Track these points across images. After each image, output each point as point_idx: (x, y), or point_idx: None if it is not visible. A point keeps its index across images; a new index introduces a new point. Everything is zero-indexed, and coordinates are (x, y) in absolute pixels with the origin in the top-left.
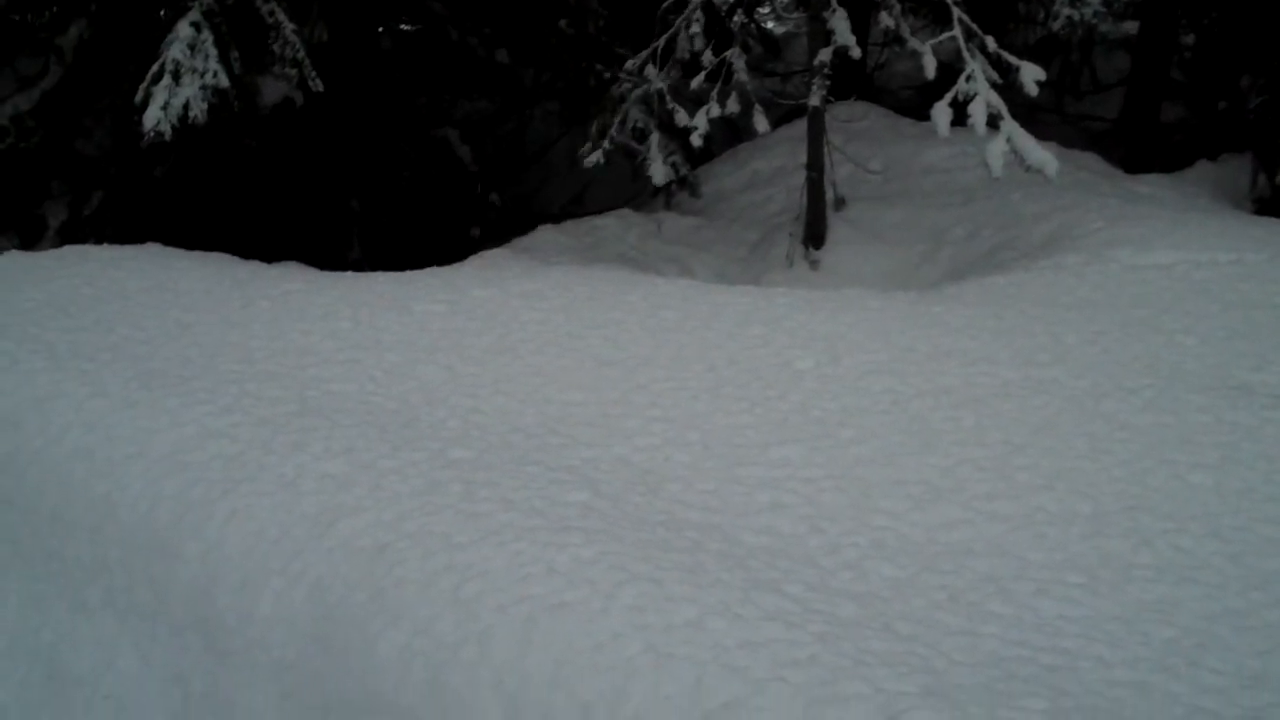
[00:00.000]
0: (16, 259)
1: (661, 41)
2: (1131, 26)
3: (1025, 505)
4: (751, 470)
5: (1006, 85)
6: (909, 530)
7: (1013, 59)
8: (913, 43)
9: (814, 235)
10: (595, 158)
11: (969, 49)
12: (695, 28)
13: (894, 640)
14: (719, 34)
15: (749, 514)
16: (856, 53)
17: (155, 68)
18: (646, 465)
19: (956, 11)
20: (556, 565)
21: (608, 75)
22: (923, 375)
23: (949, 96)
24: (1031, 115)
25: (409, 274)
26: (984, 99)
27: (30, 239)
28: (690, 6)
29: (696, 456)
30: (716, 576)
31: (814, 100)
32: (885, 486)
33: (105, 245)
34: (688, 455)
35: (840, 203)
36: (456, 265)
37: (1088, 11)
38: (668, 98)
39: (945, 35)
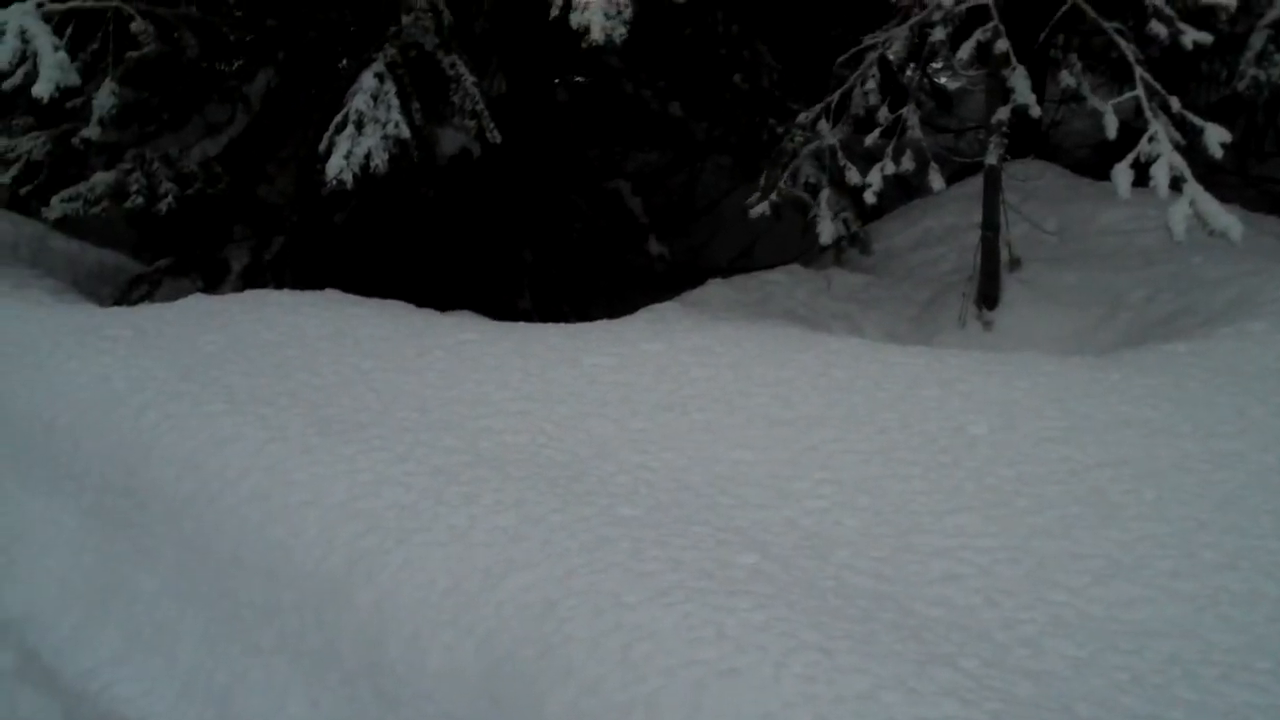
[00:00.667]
0: (200, 301)
1: (835, 97)
2: None
3: (1209, 585)
4: (925, 538)
5: (1188, 146)
6: (1088, 607)
7: (1197, 120)
8: (1093, 101)
9: (987, 296)
10: (762, 208)
11: (1151, 109)
12: (870, 84)
13: None
14: (893, 90)
15: (922, 584)
16: (1036, 112)
17: (339, 117)
18: (815, 529)
19: (1139, 70)
20: (726, 629)
21: (780, 130)
22: (1101, 445)
23: (1130, 157)
24: (1212, 177)
25: (579, 326)
26: (1167, 160)
27: (213, 282)
28: (866, 63)
29: (867, 522)
30: (889, 648)
31: (991, 159)
32: (1063, 560)
33: (285, 290)
34: (858, 520)
35: (1015, 263)
36: (626, 318)
37: (1275, 72)
38: (840, 154)
39: (1127, 95)
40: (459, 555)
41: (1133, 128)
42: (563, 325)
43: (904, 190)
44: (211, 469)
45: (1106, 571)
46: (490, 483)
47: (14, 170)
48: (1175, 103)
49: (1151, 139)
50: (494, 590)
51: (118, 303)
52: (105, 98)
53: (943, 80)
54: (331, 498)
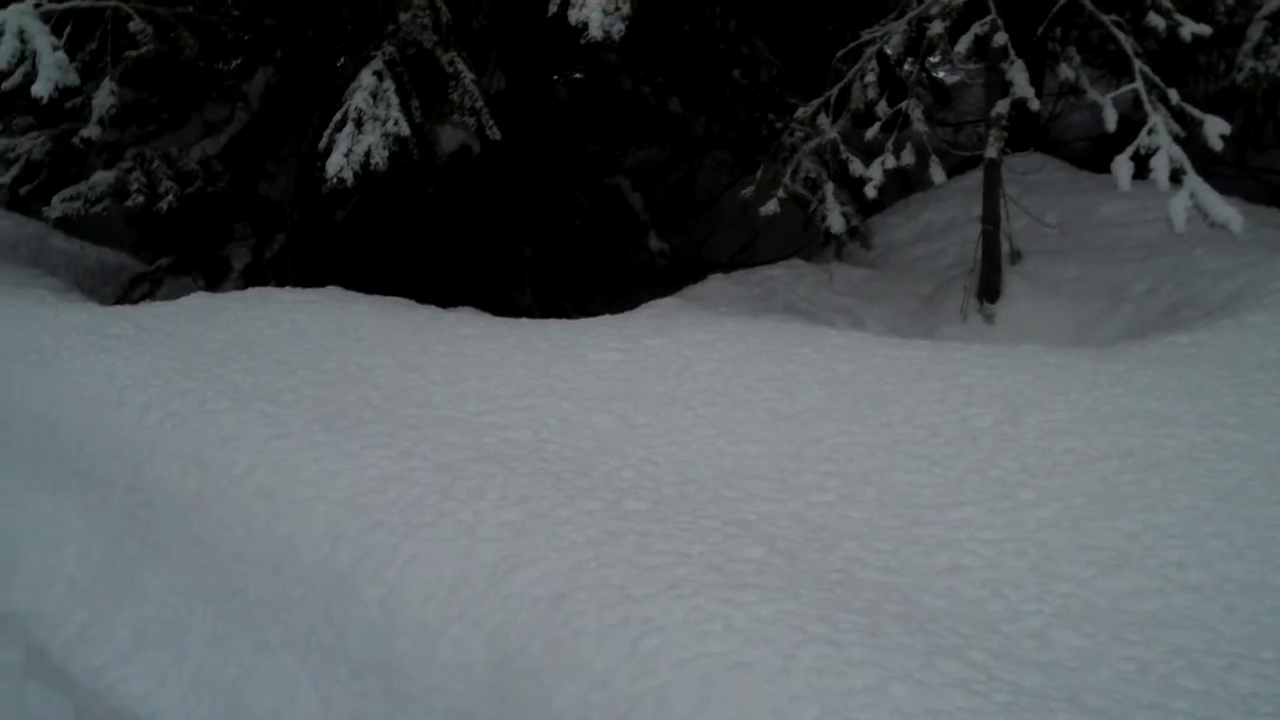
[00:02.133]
0: (203, 299)
1: (834, 91)
2: None
3: (1215, 575)
4: (930, 530)
5: (1188, 138)
6: (1094, 598)
7: (1196, 112)
8: (1092, 94)
9: (988, 289)
10: (770, 207)
11: (1150, 101)
12: (870, 77)
13: (1081, 713)
14: (892, 84)
15: (928, 575)
16: (1035, 105)
17: (339, 115)
18: (822, 522)
19: (1138, 63)
20: (734, 623)
21: (779, 125)
22: (1106, 437)
23: (1130, 150)
24: (1212, 169)
25: (582, 321)
26: (1166, 153)
27: (214, 280)
28: (864, 57)
29: (873, 514)
30: (897, 640)
31: (991, 152)
32: (1069, 551)
33: (287, 288)
34: (864, 513)
35: (1016, 256)
36: (629, 314)
37: (1273, 64)
38: (841, 147)
39: (1126, 87)
40: (466, 550)
41: (1132, 120)
42: (565, 320)
43: (903, 184)
44: (217, 466)
45: (1113, 562)
46: (495, 478)
47: (14, 170)
48: (1174, 95)
49: (1151, 131)
50: (501, 585)
51: (119, 301)
52: (104, 97)
53: (941, 74)
54: (337, 493)
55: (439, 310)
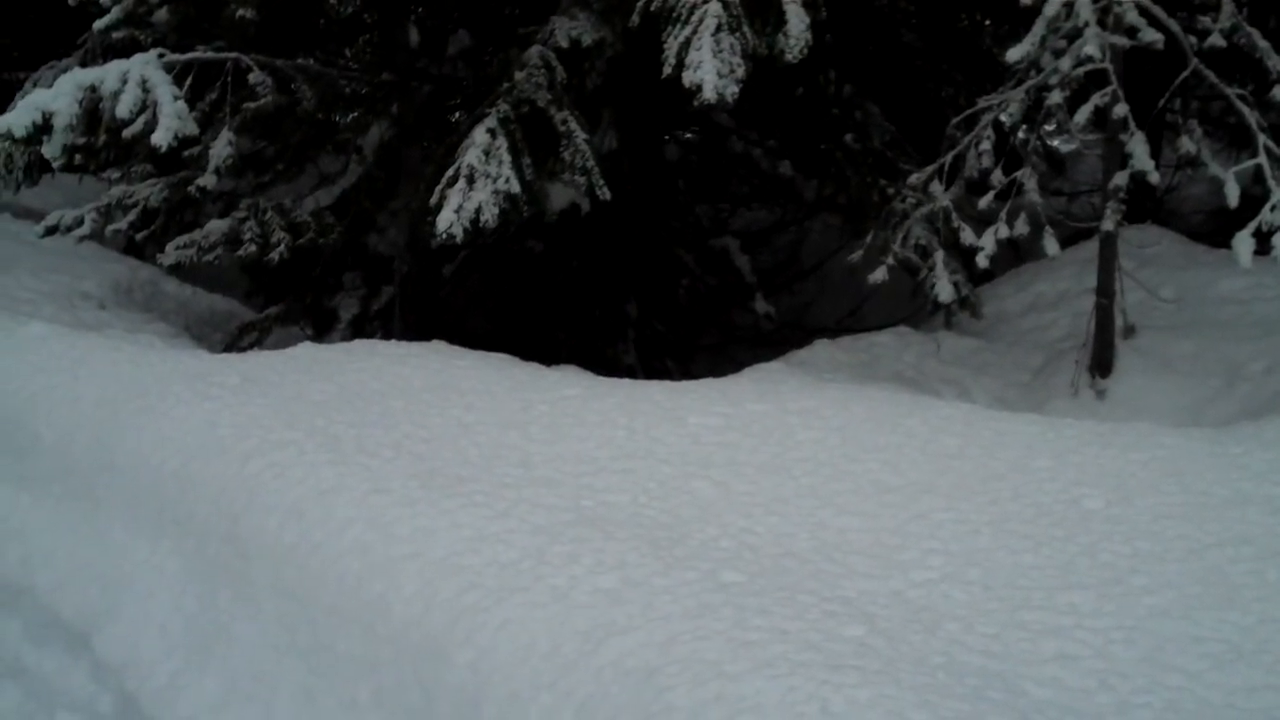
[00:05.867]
0: (309, 350)
1: (949, 158)
2: None
3: None
4: (1036, 615)
5: None
6: (1206, 693)
7: None
8: (1214, 168)
9: (1101, 363)
10: (879, 274)
11: (1274, 176)
12: (985, 144)
13: None
14: (1007, 152)
15: (1034, 663)
16: (1155, 178)
17: (451, 171)
18: (924, 602)
19: (1262, 138)
20: (831, 706)
21: (890, 190)
22: (1221, 523)
23: (1252, 226)
24: None
25: (684, 384)
26: None
27: (322, 329)
28: (980, 125)
29: (977, 596)
30: None
31: (1107, 225)
32: (1181, 642)
33: (392, 341)
34: (967, 594)
35: (1130, 330)
36: (731, 377)
37: None
38: (953, 215)
39: (1249, 162)
40: (559, 617)
41: (1252, 195)
42: (667, 383)
43: (1014, 253)
44: (314, 518)
45: (1227, 656)
46: (592, 543)
47: (131, 215)
48: None
49: (1274, 208)
50: (594, 654)
51: (228, 348)
52: (222, 147)
53: (1055, 143)
54: (433, 552)
55: (541, 368)
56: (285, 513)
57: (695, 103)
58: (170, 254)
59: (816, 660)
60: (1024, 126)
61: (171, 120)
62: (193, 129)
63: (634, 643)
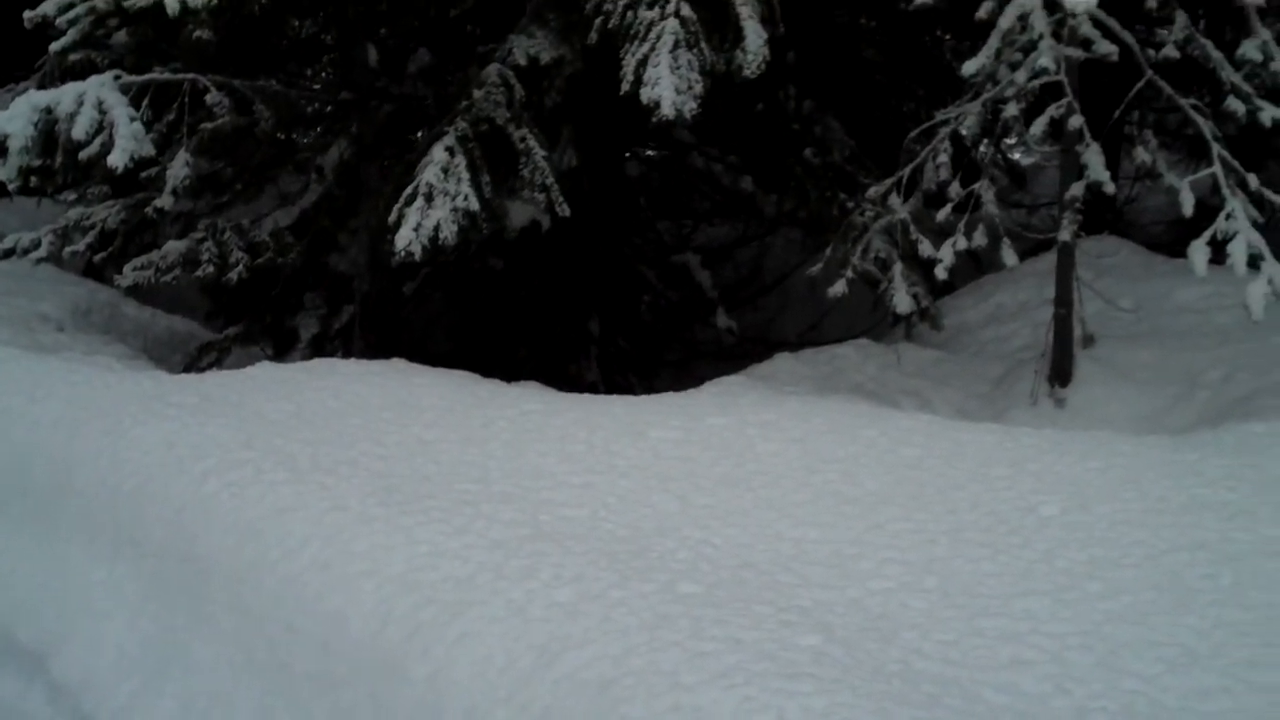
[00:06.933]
0: (267, 370)
1: (907, 171)
2: None
3: None
4: (993, 622)
5: (1267, 224)
6: (1161, 696)
7: (1275, 197)
8: (1170, 178)
9: (1060, 373)
10: (839, 288)
11: (1229, 186)
12: (943, 157)
13: None
14: (966, 164)
15: (990, 669)
16: (1110, 188)
17: (410, 189)
18: (881, 610)
19: (1216, 148)
20: (786, 714)
21: (850, 204)
22: (1177, 528)
23: (1207, 235)
24: None
25: (644, 399)
26: (1245, 238)
27: (282, 350)
28: (938, 138)
29: (934, 604)
30: None
31: (1064, 235)
32: (1137, 647)
33: (352, 359)
34: (925, 602)
35: (1089, 340)
36: (692, 391)
37: None
38: (912, 228)
39: (1204, 172)
40: (515, 630)
41: (1209, 205)
42: (628, 398)
43: (975, 265)
44: (271, 537)
45: (1181, 660)
46: (549, 557)
47: (89, 238)
48: (1253, 180)
49: (1229, 216)
50: (550, 667)
51: (187, 369)
52: (179, 168)
53: (1015, 156)
54: (390, 569)
55: (502, 384)
56: (242, 532)
57: (654, 119)
58: (128, 275)
59: (772, 670)
60: (983, 140)
61: (128, 141)
62: (150, 150)
63: (590, 655)
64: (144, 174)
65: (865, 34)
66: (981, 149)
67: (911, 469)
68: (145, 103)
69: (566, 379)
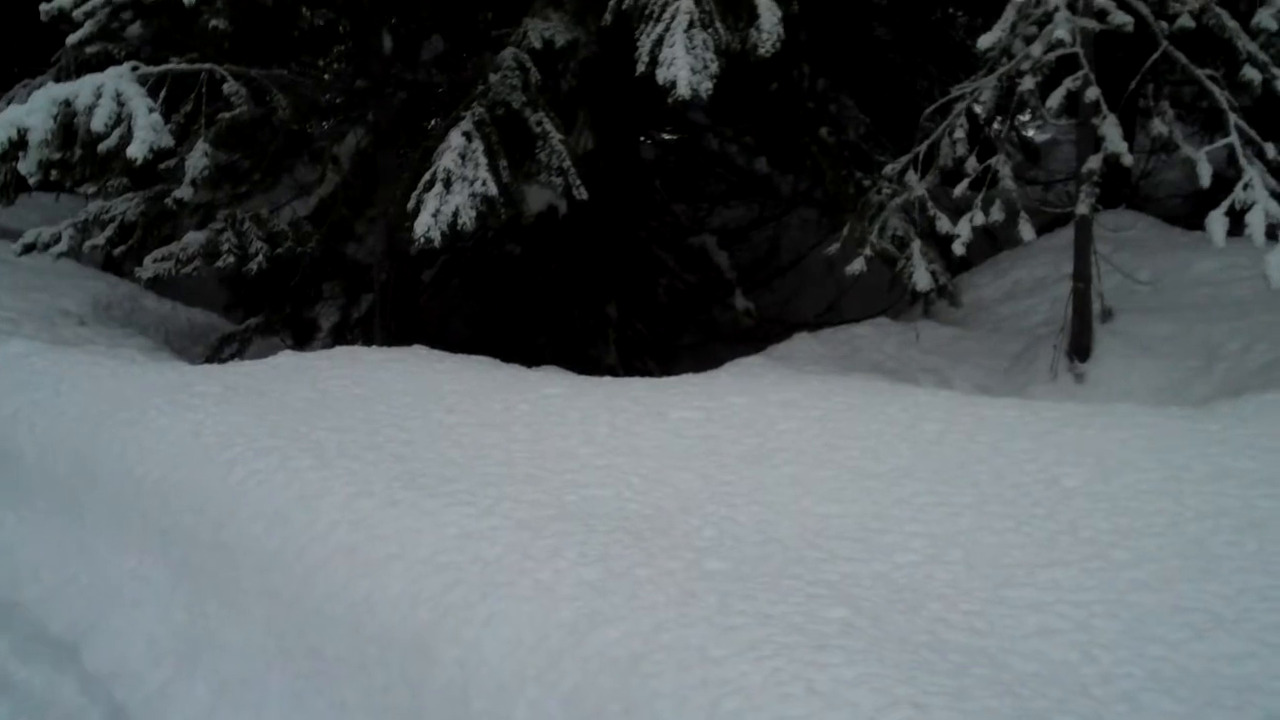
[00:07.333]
0: (289, 359)
1: (923, 148)
2: None
3: None
4: (1019, 592)
5: None
6: (1188, 661)
7: None
8: (1186, 149)
9: (1079, 348)
10: (858, 265)
11: (1246, 156)
12: (959, 133)
13: None
14: (981, 140)
15: (1016, 638)
16: (1128, 160)
17: (427, 176)
18: (907, 583)
19: (1233, 118)
20: (816, 685)
21: (867, 182)
22: (1200, 496)
23: (1225, 205)
24: None
25: (665, 380)
26: (1263, 208)
27: (302, 339)
28: (953, 114)
29: (959, 575)
30: (984, 704)
31: (1082, 209)
32: (1162, 614)
33: (373, 347)
34: (950, 574)
35: (1107, 314)
36: (712, 372)
37: None
38: (929, 205)
39: (1221, 142)
40: (544, 610)
41: (1226, 177)
42: (648, 379)
43: (991, 242)
44: (299, 523)
45: (1207, 625)
46: (575, 536)
47: (109, 231)
48: (1271, 149)
49: (1246, 186)
50: (579, 645)
51: (208, 360)
52: (198, 159)
53: (1030, 132)
54: (417, 552)
55: (523, 369)
56: (270, 518)
57: (669, 100)
58: (148, 268)
59: (801, 642)
60: (999, 116)
61: (147, 133)
62: (168, 141)
63: (619, 632)
64: (162, 166)
65: (877, 12)
66: (996, 125)
67: (933, 444)
68: (162, 94)
69: (585, 364)
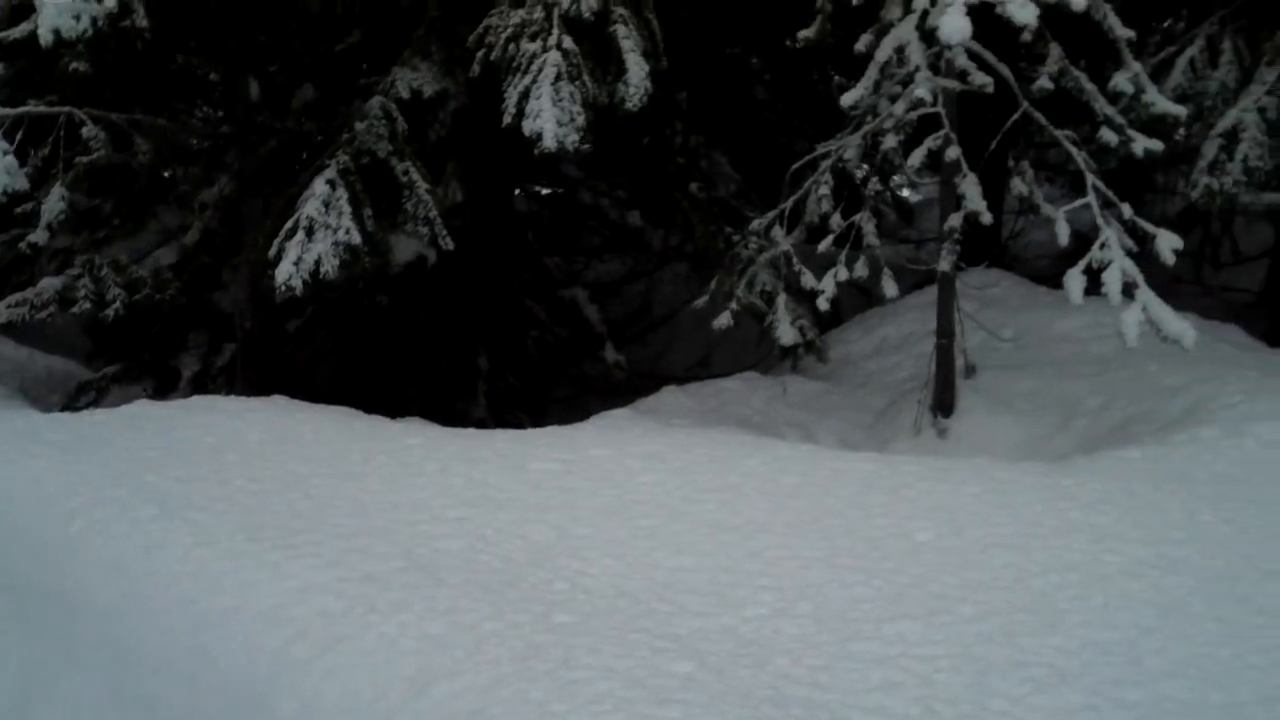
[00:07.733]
0: (145, 408)
1: (789, 203)
2: (1275, 197)
3: (1153, 693)
4: (865, 645)
5: (1144, 255)
6: (1028, 715)
7: (1149, 226)
8: (1045, 209)
9: (942, 403)
10: (724, 320)
11: (1104, 216)
12: (824, 189)
13: None
14: (850, 197)
15: (859, 692)
16: (987, 218)
17: (290, 224)
18: (754, 637)
19: (1091, 177)
20: None
21: (736, 237)
22: (1048, 551)
23: (1082, 264)
24: (1170, 286)
25: (527, 432)
26: (1119, 267)
27: (165, 388)
28: (819, 170)
29: (807, 629)
30: None
31: (944, 265)
32: (1005, 668)
33: (232, 397)
34: (798, 628)
35: (970, 370)
36: (576, 425)
37: (1227, 181)
38: (795, 260)
39: (1079, 202)
40: (385, 663)
41: (1089, 237)
42: (511, 431)
43: (863, 299)
44: (138, 573)
45: (1049, 679)
46: (423, 590)
47: None
48: (1127, 209)
49: (1103, 246)
50: (419, 699)
51: (64, 408)
52: (54, 203)
53: (905, 192)
54: (258, 604)
55: (384, 420)
56: (108, 568)
57: (536, 152)
58: (2, 313)
59: (642, 696)
60: (874, 177)
61: (1, 176)
62: (23, 184)
63: (460, 686)
64: (18, 209)
65: (754, 72)
66: (870, 184)
67: (790, 497)
68: (19, 136)
69: (454, 416)
